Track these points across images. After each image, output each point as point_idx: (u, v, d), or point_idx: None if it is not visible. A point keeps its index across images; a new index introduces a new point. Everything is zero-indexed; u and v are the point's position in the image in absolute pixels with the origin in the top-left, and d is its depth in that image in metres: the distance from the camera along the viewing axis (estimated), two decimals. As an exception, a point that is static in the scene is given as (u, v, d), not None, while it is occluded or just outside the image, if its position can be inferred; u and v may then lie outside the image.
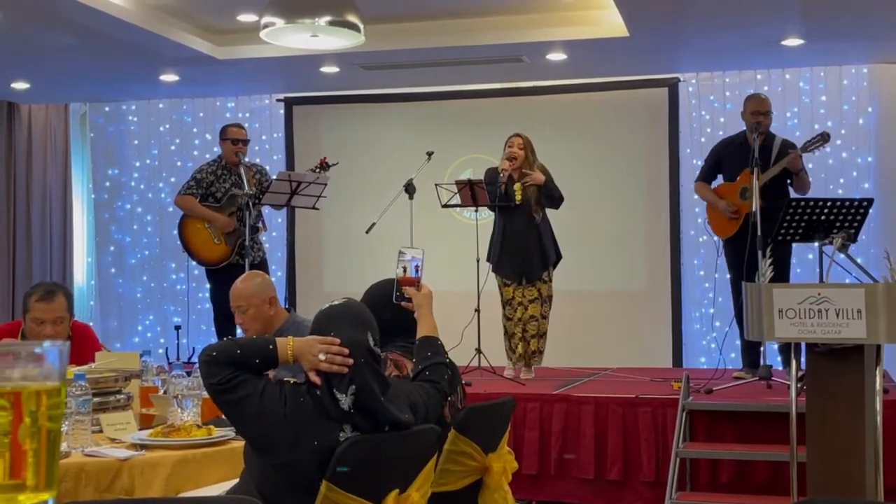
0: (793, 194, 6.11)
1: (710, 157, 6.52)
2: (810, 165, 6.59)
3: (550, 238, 6.46)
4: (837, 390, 3.92)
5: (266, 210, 7.08)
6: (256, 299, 4.14)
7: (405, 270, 3.06)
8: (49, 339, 4.16)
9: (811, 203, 5.15)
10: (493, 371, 6.43)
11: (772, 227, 5.31)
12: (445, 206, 6.70)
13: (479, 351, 6.56)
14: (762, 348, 5.94)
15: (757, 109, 6.16)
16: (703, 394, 5.65)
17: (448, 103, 8.74)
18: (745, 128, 6.19)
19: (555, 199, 6.41)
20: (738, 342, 6.30)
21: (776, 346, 6.52)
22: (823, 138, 5.91)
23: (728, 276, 6.36)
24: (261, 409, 2.50)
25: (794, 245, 5.86)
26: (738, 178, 6.15)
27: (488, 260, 6.56)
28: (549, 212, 6.51)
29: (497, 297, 6.55)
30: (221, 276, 6.42)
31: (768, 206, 5.63)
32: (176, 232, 6.90)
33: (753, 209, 5.69)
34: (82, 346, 4.24)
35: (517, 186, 6.35)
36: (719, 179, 6.45)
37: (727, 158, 6.31)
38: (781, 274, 5.92)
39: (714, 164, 6.43)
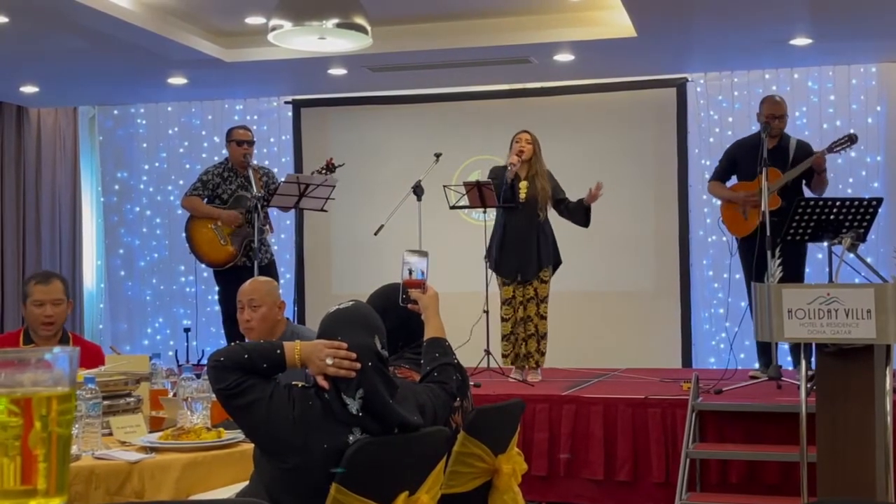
0: (807, 193, 6.10)
1: (724, 158, 6.52)
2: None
3: (551, 240, 6.45)
4: (847, 390, 3.91)
5: (274, 213, 7.09)
6: (270, 299, 4.15)
7: (410, 273, 3.05)
8: (50, 319, 4.25)
9: (820, 203, 5.14)
10: (502, 372, 6.43)
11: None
12: (454, 207, 6.70)
13: (487, 352, 6.56)
14: (774, 348, 5.93)
15: (772, 113, 6.21)
16: (712, 394, 5.64)
17: (456, 105, 8.75)
18: (758, 128, 6.20)
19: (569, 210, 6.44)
20: (747, 342, 6.29)
21: (786, 346, 6.51)
22: (850, 139, 5.94)
23: (737, 275, 6.34)
24: (269, 413, 2.50)
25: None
26: (758, 179, 6.13)
27: (486, 258, 6.55)
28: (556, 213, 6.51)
29: (505, 298, 6.55)
30: (230, 279, 6.43)
31: (788, 205, 5.63)
32: (184, 234, 6.91)
33: (763, 209, 5.68)
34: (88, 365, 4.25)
35: (523, 184, 6.35)
36: (732, 180, 6.45)
37: (743, 159, 6.30)
38: (796, 274, 5.90)
39: (729, 164, 6.43)
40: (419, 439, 2.61)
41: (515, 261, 6.35)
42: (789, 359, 6.48)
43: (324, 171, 6.62)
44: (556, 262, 6.48)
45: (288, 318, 4.44)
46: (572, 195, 6.48)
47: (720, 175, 6.47)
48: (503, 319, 6.42)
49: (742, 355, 6.48)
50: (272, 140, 9.18)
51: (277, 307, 4.17)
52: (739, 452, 5.32)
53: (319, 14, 5.34)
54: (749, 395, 5.72)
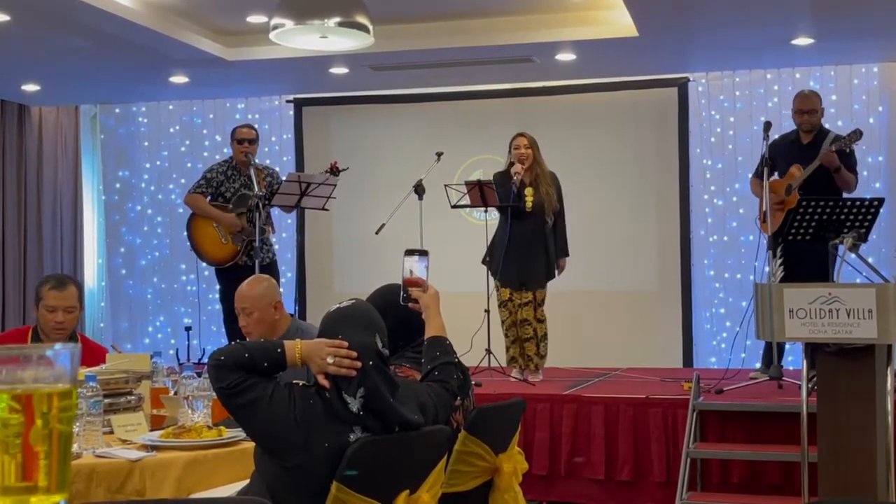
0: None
1: (763, 155, 6.50)
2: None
3: (553, 248, 6.43)
4: (848, 390, 3.91)
5: (276, 212, 7.09)
6: (263, 303, 4.11)
7: (411, 272, 3.05)
8: (60, 326, 4.22)
9: (822, 203, 5.13)
10: (503, 371, 6.43)
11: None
12: (455, 206, 6.70)
13: (489, 351, 6.55)
14: (774, 348, 5.92)
15: (800, 108, 6.17)
16: (713, 394, 5.64)
17: (457, 104, 8.75)
18: (788, 127, 6.18)
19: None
20: (749, 342, 6.28)
21: (788, 346, 6.50)
22: (856, 134, 5.92)
23: (738, 275, 6.33)
24: (270, 412, 2.50)
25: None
26: (787, 175, 6.12)
27: (486, 264, 6.52)
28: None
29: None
30: (231, 277, 6.42)
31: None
32: (185, 232, 6.91)
33: (764, 209, 5.68)
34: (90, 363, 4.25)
35: (528, 191, 6.32)
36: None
37: (779, 155, 6.27)
38: (822, 274, 5.85)
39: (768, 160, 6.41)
40: (420, 438, 2.61)
41: (519, 268, 6.31)
42: (791, 359, 6.47)
43: (327, 174, 6.61)
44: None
45: (293, 315, 4.42)
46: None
47: (759, 171, 6.45)
48: (501, 322, 6.42)
49: (743, 355, 6.46)
50: (273, 139, 9.18)
51: (273, 307, 4.13)
52: (740, 452, 5.31)
53: (321, 13, 5.34)
54: (750, 394, 5.72)
